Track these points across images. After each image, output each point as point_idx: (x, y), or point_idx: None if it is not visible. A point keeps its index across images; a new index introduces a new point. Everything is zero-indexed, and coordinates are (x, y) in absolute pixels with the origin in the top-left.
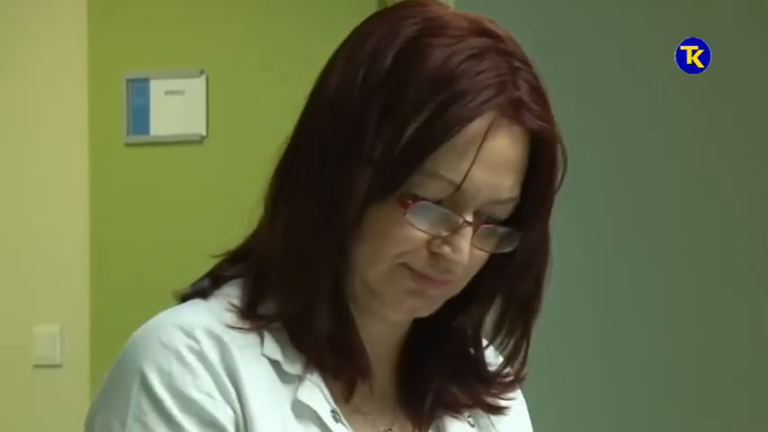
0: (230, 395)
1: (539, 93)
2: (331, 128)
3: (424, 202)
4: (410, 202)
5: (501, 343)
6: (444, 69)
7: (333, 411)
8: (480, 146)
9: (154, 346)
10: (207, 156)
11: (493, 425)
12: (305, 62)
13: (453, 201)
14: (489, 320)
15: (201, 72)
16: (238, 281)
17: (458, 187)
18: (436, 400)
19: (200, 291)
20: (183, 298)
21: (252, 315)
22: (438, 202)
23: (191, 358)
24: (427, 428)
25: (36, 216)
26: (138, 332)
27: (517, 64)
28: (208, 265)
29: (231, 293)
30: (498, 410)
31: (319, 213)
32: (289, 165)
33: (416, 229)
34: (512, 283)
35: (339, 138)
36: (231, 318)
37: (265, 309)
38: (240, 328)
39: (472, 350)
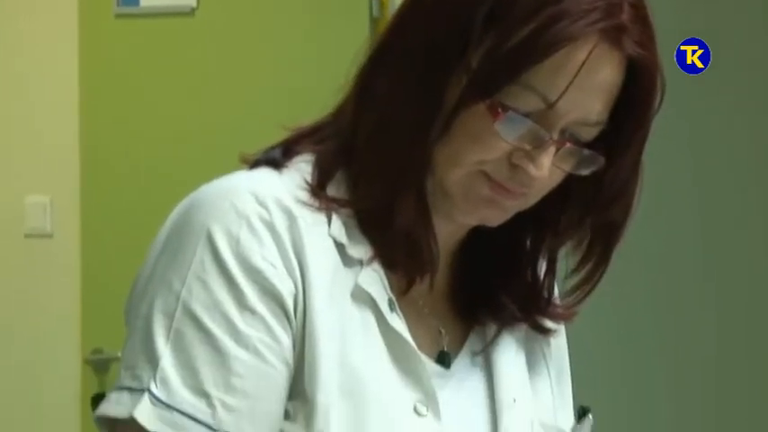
0: (294, 269)
1: (643, 19)
2: (434, 27)
3: (513, 113)
4: (500, 111)
5: (577, 267)
6: None
7: (390, 300)
8: (580, 67)
9: (225, 209)
10: (197, 28)
11: (541, 347)
12: None
13: (542, 116)
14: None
15: None
16: (310, 158)
17: (551, 105)
18: (489, 308)
19: (272, 160)
20: (254, 164)
21: (323, 195)
22: (526, 115)
23: (260, 227)
24: (474, 334)
25: (26, 88)
26: (207, 192)
27: None
28: (198, 136)
29: (304, 169)
30: (546, 332)
31: (411, 112)
32: (384, 57)
33: (501, 139)
34: (603, 209)
35: (441, 38)
36: (303, 194)
37: (336, 191)
38: (310, 206)
39: (541, 273)
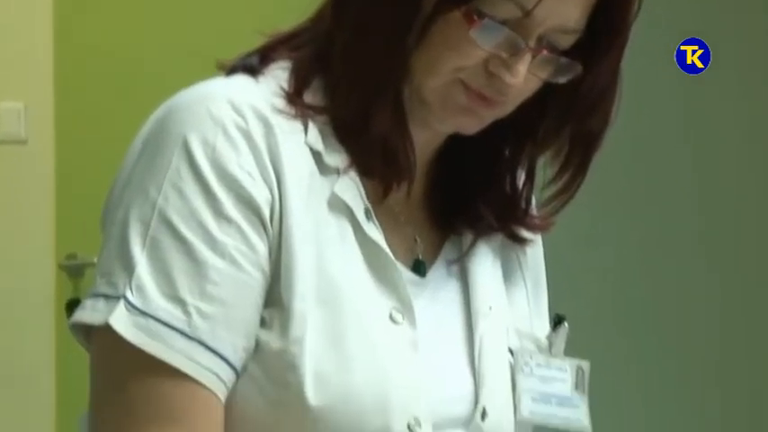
0: (270, 178)
1: None
2: None
3: (489, 20)
4: (476, 18)
5: (555, 178)
6: None
7: (366, 209)
8: None
9: (201, 116)
10: None
11: (517, 256)
12: None
13: (519, 24)
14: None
15: None
16: (287, 64)
17: (527, 13)
18: (465, 217)
19: (249, 67)
20: (230, 70)
21: (299, 102)
22: (503, 23)
23: (236, 135)
24: (449, 243)
25: None
26: (183, 99)
27: None
28: (174, 40)
29: (280, 76)
30: (523, 241)
31: (388, 19)
32: None
33: (478, 46)
34: (581, 118)
35: None
36: (279, 101)
37: (313, 99)
38: (287, 113)
39: (520, 183)
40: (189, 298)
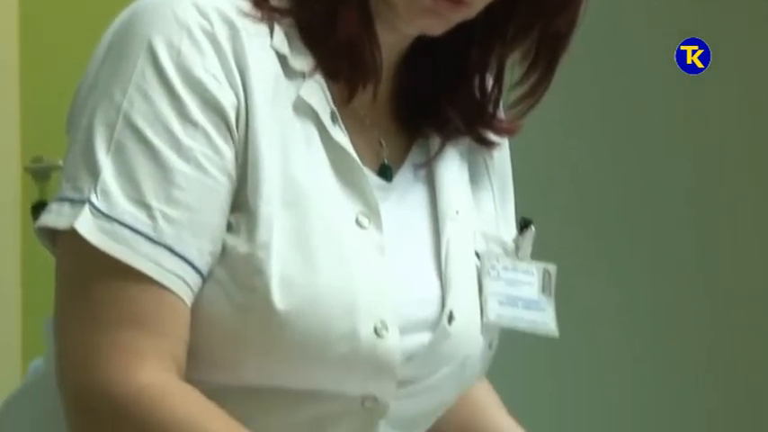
0: (236, 81)
1: None
2: None
3: None
4: None
5: (521, 80)
6: None
7: (332, 112)
8: None
9: (166, 19)
10: None
11: (484, 160)
12: None
13: None
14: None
15: None
16: None
17: None
18: (433, 121)
19: None
20: None
21: (265, 5)
22: None
23: (201, 38)
24: (416, 147)
25: None
26: (149, 1)
27: None
28: None
29: None
30: (490, 144)
31: None
32: None
33: None
34: (550, 18)
35: None
36: (245, 4)
37: (279, 2)
38: (252, 17)
39: (488, 86)
40: (154, 202)
